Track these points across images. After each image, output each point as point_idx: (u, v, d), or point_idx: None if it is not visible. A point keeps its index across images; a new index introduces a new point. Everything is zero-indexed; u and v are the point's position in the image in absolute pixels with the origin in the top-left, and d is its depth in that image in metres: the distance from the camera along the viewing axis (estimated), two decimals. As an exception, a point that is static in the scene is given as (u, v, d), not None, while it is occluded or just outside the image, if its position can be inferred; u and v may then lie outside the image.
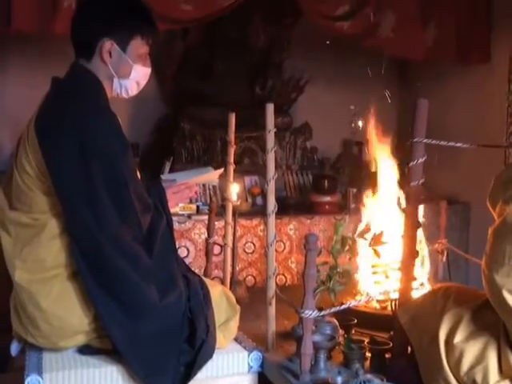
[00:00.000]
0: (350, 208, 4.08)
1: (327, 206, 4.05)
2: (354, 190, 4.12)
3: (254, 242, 3.67)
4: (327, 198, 4.07)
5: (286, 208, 4.04)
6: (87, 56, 1.95)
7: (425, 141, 1.95)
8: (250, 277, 3.65)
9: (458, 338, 1.65)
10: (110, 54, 1.94)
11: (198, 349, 1.94)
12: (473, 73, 4.50)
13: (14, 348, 2.05)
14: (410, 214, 1.99)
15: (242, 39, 4.42)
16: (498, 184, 1.62)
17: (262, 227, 3.56)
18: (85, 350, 1.99)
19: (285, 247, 3.77)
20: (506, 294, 1.52)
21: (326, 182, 4.12)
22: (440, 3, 4.14)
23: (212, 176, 2.31)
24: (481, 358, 1.59)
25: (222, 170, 2.38)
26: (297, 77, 4.63)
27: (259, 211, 3.69)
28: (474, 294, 1.82)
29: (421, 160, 1.95)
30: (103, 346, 1.95)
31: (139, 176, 2.05)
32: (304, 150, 4.57)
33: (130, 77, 1.98)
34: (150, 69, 2.05)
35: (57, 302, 1.89)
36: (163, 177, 2.20)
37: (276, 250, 3.74)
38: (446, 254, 3.15)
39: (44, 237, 1.88)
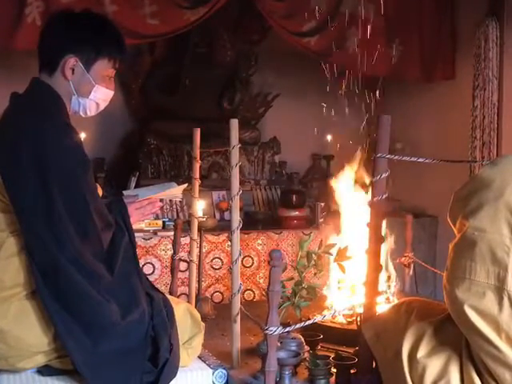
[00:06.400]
0: (319, 222, 4.09)
1: (295, 221, 4.07)
2: (323, 205, 4.13)
3: (222, 257, 3.65)
4: (295, 213, 4.09)
5: (254, 223, 4.03)
6: (50, 70, 1.93)
7: (387, 156, 1.96)
8: (217, 293, 3.62)
9: (421, 352, 1.64)
10: (73, 70, 1.92)
11: (161, 368, 1.90)
12: (438, 88, 4.57)
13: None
14: (373, 228, 1.99)
15: (210, 54, 4.43)
16: (457, 199, 1.63)
17: (229, 243, 3.53)
18: (44, 370, 1.93)
19: (253, 262, 3.75)
20: (467, 310, 1.52)
21: (295, 196, 4.14)
22: (404, 21, 4.21)
23: (175, 191, 2.28)
24: (443, 373, 1.59)
25: (185, 186, 2.35)
26: (265, 92, 4.65)
27: (227, 226, 3.66)
28: (436, 308, 1.83)
29: (384, 175, 1.96)
30: (63, 366, 1.90)
31: (101, 192, 2.01)
32: (272, 165, 4.58)
33: (89, 96, 1.96)
34: (113, 92, 2.03)
35: (15, 322, 1.83)
36: (125, 193, 2.16)
37: (244, 265, 3.76)
38: (412, 267, 3.17)
39: (1, 255, 1.83)
